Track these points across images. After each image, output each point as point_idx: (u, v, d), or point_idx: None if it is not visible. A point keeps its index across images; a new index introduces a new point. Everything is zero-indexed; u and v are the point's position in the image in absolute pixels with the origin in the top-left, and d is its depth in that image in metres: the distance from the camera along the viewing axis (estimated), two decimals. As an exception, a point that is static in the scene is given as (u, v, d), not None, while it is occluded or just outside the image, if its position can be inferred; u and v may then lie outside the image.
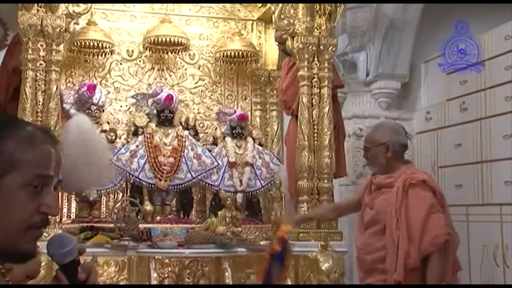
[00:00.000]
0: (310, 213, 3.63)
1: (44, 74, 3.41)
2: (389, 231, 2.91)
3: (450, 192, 3.98)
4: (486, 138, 3.95)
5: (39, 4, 3.45)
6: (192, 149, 3.99)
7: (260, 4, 4.28)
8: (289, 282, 3.49)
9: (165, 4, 4.30)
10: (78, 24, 3.63)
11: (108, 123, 4.00)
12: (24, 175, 1.02)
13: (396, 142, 3.05)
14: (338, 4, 3.85)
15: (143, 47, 4.24)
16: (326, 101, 3.73)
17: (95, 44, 4.00)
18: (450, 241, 2.85)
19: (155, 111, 4.01)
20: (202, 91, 4.41)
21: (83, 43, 3.99)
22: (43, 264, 3.02)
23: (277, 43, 4.10)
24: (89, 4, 3.57)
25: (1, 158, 1.02)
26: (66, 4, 3.50)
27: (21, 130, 1.06)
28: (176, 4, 4.38)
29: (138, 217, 3.66)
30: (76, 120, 3.67)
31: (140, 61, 4.30)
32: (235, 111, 4.21)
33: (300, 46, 3.74)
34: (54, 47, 3.42)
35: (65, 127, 3.60)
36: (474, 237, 3.96)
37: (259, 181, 4.08)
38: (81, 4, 3.54)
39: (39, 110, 3.39)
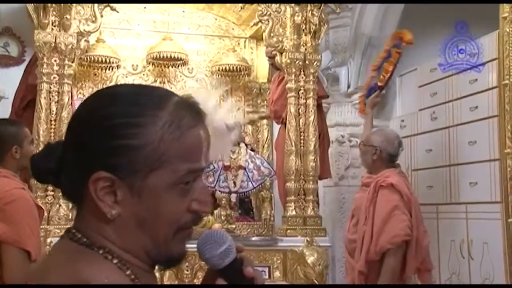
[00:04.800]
0: (372, 123, 3.73)
1: (58, 87, 3.45)
2: (360, 226, 3.01)
3: (423, 192, 4.04)
4: (454, 144, 3.95)
5: (54, 23, 3.45)
6: (190, 154, 4.03)
7: (252, 23, 4.16)
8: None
9: (166, 23, 4.26)
10: (88, 41, 3.67)
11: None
12: (173, 173, 0.76)
13: (384, 149, 3.13)
14: (322, 24, 3.85)
15: (147, 62, 4.26)
16: (311, 111, 3.79)
17: (103, 59, 4.04)
18: (410, 242, 2.92)
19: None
20: (199, 102, 4.47)
21: (92, 59, 4.02)
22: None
23: (268, 58, 4.11)
24: (98, 24, 3.56)
25: (144, 153, 0.75)
26: (78, 23, 3.50)
27: (165, 110, 0.76)
28: (176, 23, 4.34)
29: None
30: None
31: (144, 74, 4.32)
32: (229, 120, 4.29)
33: (288, 61, 3.79)
34: (67, 62, 3.46)
35: None
36: (443, 232, 3.97)
37: (251, 182, 4.02)
38: (91, 24, 3.53)
39: (52, 119, 3.43)
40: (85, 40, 3.59)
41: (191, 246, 0.85)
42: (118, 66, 4.16)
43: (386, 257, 2.90)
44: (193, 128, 0.79)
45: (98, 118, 0.76)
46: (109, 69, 4.16)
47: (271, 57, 4.00)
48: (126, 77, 4.30)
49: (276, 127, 4.26)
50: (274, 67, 4.08)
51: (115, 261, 0.76)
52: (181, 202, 0.79)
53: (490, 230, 3.54)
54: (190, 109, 0.80)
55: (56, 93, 3.46)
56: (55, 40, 3.44)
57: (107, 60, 4.07)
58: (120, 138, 0.74)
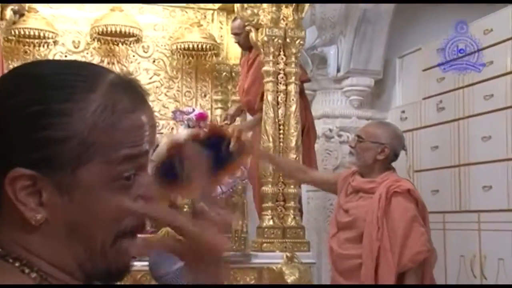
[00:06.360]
0: (278, 157, 3.57)
1: (-26, 69, 3.36)
2: (368, 240, 2.91)
3: (426, 198, 3.86)
4: (464, 139, 3.97)
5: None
6: (145, 152, 3.96)
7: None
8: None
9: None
10: (16, 12, 3.65)
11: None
12: (106, 165, 0.73)
13: (393, 148, 3.06)
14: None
15: (91, 38, 4.19)
16: (293, 99, 3.71)
17: (36, 33, 3.94)
18: (428, 259, 2.89)
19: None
20: (157, 87, 4.37)
21: (22, 33, 3.92)
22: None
23: (233, 34, 4.04)
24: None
25: (71, 146, 0.72)
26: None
27: (96, 92, 0.74)
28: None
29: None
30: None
31: (87, 53, 4.26)
32: (193, 110, 4.15)
33: (265, 38, 3.70)
34: (-13, 36, 3.44)
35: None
36: (451, 246, 3.97)
37: (219, 186, 3.93)
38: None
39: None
40: (11, 9, 3.61)
41: (143, 268, 0.82)
42: (55, 43, 4.08)
43: (407, 278, 2.86)
44: (132, 113, 0.74)
45: (13, 106, 0.72)
46: (43, 46, 4.06)
47: (238, 34, 3.94)
48: (65, 56, 4.19)
49: (250, 118, 4.15)
50: (242, 46, 4.03)
51: (33, 275, 0.72)
52: (122, 201, 0.75)
53: (506, 243, 3.58)
54: (128, 90, 0.76)
55: (-27, 76, 3.32)
56: (-29, 9, 3.40)
57: (41, 35, 3.97)
58: (41, 130, 0.71)
